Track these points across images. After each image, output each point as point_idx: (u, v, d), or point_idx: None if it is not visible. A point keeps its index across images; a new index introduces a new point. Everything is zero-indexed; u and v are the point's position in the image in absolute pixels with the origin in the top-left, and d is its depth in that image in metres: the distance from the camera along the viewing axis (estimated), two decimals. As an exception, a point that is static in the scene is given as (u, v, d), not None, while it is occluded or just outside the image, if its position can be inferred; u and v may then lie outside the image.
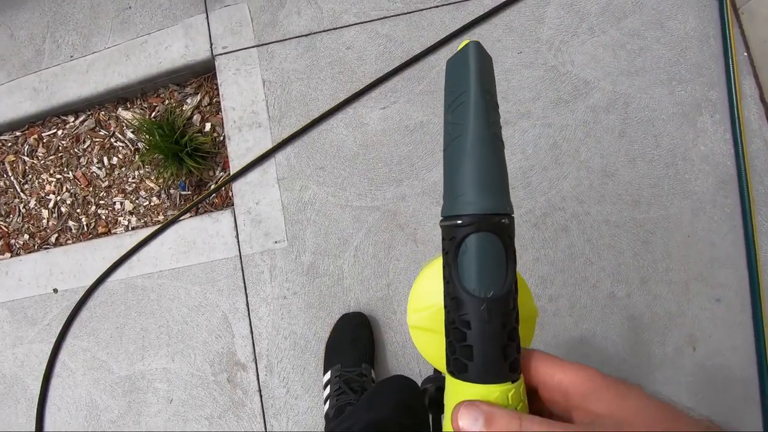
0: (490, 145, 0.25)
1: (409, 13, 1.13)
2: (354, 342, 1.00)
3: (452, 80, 0.27)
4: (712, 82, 1.04)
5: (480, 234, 0.24)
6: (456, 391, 0.25)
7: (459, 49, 0.26)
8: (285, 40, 1.16)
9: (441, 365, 0.27)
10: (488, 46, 1.09)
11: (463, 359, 0.24)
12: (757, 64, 1.03)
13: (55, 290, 1.20)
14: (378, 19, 1.14)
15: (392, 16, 1.14)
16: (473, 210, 0.24)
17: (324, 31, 1.15)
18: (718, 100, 1.03)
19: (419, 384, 0.85)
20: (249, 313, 1.08)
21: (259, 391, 1.06)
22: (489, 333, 0.24)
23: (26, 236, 1.30)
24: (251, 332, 1.08)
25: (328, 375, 0.99)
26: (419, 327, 0.33)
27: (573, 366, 0.24)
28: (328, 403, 0.96)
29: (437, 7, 1.12)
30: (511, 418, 0.22)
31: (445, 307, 0.26)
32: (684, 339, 0.98)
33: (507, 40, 1.10)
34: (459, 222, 0.25)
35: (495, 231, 0.24)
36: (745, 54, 1.03)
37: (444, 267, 0.26)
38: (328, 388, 0.97)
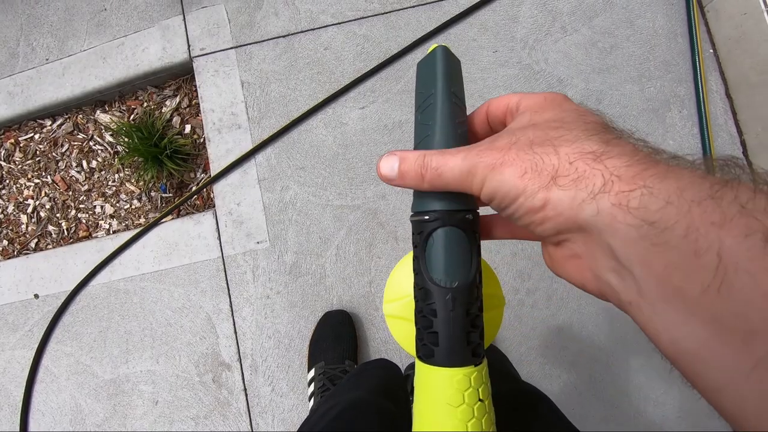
0: (455, 144, 0.26)
1: (386, 13, 1.14)
2: (337, 339, 1.01)
3: (421, 82, 0.29)
4: (680, 78, 1.07)
5: (446, 228, 0.26)
6: (424, 374, 0.26)
7: (428, 52, 0.28)
8: (263, 41, 1.16)
9: (414, 351, 0.29)
10: (464, 45, 1.11)
11: (430, 345, 0.26)
12: (723, 60, 1.06)
13: (36, 296, 1.19)
14: (355, 20, 1.15)
15: (369, 16, 1.15)
16: (440, 206, 0.26)
17: (302, 32, 1.15)
18: (686, 96, 1.06)
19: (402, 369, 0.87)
20: (232, 314, 1.09)
21: (245, 390, 1.07)
22: (453, 320, 0.25)
23: (5, 242, 1.28)
24: (235, 332, 1.09)
25: (312, 372, 1.00)
26: (394, 316, 0.35)
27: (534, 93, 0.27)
28: (312, 400, 0.97)
29: (413, 7, 1.14)
30: (418, 155, 0.25)
31: (415, 296, 0.28)
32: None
33: (482, 39, 1.12)
34: (426, 217, 0.26)
35: (460, 226, 0.26)
36: (711, 51, 1.07)
37: (414, 260, 0.28)
38: (313, 385, 0.98)
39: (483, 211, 0.28)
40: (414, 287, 0.28)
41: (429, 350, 0.26)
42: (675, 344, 0.17)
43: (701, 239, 0.16)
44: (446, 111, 0.27)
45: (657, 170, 0.18)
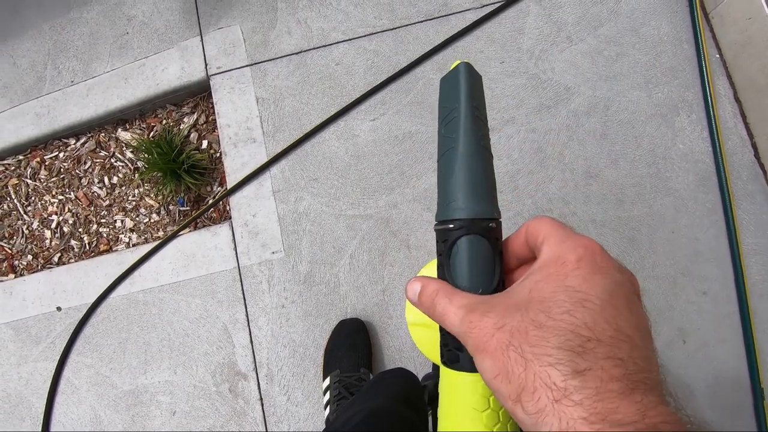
0: (478, 156, 0.28)
1: (395, 28, 1.18)
2: (352, 347, 1.02)
3: (445, 97, 0.30)
4: (687, 83, 1.08)
5: (470, 236, 0.27)
6: (449, 380, 0.27)
7: (451, 68, 0.29)
8: (277, 58, 1.21)
9: (437, 358, 0.30)
10: (471, 57, 1.14)
11: (454, 350, 0.26)
12: (730, 65, 1.07)
13: (59, 308, 1.22)
14: (365, 36, 1.19)
15: (379, 32, 1.19)
16: (464, 215, 0.27)
17: (314, 48, 1.20)
18: (694, 101, 1.07)
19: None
20: (248, 323, 1.11)
21: (261, 399, 1.07)
22: None
23: (29, 257, 1.33)
24: (251, 342, 1.10)
25: (327, 381, 1.01)
26: (417, 323, 0.35)
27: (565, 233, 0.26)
28: (328, 408, 0.98)
29: (421, 22, 1.17)
30: (432, 291, 0.27)
31: None
32: (674, 332, 1.00)
33: (489, 50, 1.14)
34: (451, 226, 0.27)
35: (483, 234, 0.27)
36: (717, 56, 1.08)
37: (438, 267, 0.29)
38: (328, 393, 0.99)
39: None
40: None
41: (454, 355, 0.26)
42: None
43: None
44: (469, 124, 0.28)
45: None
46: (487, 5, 1.16)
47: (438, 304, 0.26)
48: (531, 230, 0.27)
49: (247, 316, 1.11)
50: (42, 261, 1.31)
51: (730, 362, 0.97)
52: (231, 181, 1.17)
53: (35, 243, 1.33)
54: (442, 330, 0.28)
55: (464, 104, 0.28)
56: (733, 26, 1.04)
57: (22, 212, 1.36)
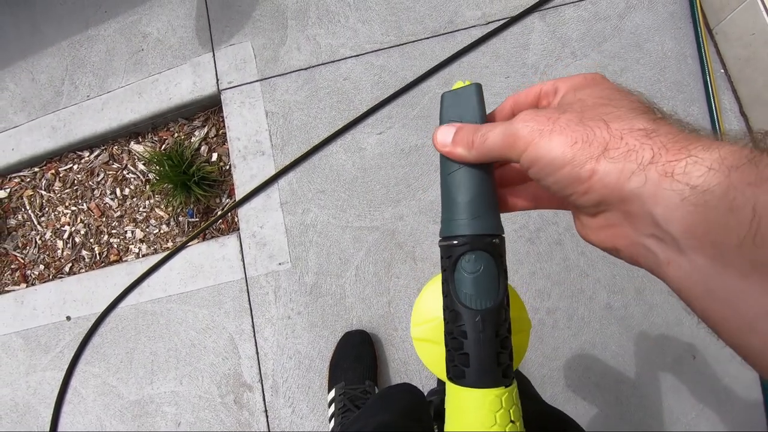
0: (483, 173, 0.28)
1: (402, 44, 1.21)
2: (357, 359, 1.02)
3: (450, 113, 0.30)
4: (692, 98, 1.08)
5: (474, 252, 0.27)
6: (455, 395, 0.27)
7: (459, 86, 0.30)
8: (286, 73, 1.24)
9: (442, 374, 0.30)
10: (477, 73, 1.16)
11: (460, 366, 0.27)
12: (735, 79, 1.08)
13: (68, 318, 1.24)
14: (373, 52, 1.21)
15: (386, 48, 1.21)
16: (468, 231, 0.27)
17: (322, 64, 1.22)
18: (699, 115, 1.07)
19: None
20: (255, 334, 1.11)
21: (265, 411, 1.07)
22: (483, 341, 0.26)
23: (41, 266, 1.35)
24: (257, 353, 1.10)
25: (332, 393, 1.00)
26: (422, 339, 0.35)
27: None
28: (333, 421, 0.97)
29: (428, 38, 1.20)
30: (475, 126, 0.28)
31: (444, 318, 0.29)
32: (683, 348, 0.99)
33: (494, 66, 1.16)
34: (455, 242, 0.28)
35: (487, 250, 0.27)
36: (722, 71, 1.09)
37: (443, 283, 0.29)
38: (333, 406, 0.98)
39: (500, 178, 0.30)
40: (444, 309, 0.29)
41: (460, 371, 0.27)
42: (710, 294, 0.19)
43: (738, 197, 0.17)
44: None
45: (702, 143, 0.19)
46: (492, 22, 1.18)
47: (480, 128, 0.26)
48: (524, 93, 0.29)
49: (253, 326, 1.12)
50: (53, 271, 1.34)
51: (742, 378, 0.95)
52: (239, 193, 1.19)
53: (47, 253, 1.36)
54: (448, 345, 0.28)
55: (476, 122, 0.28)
56: (738, 41, 1.04)
57: (35, 223, 1.38)
